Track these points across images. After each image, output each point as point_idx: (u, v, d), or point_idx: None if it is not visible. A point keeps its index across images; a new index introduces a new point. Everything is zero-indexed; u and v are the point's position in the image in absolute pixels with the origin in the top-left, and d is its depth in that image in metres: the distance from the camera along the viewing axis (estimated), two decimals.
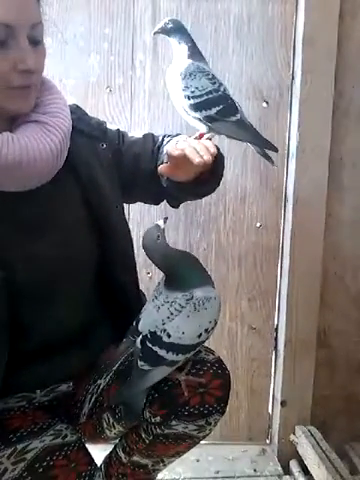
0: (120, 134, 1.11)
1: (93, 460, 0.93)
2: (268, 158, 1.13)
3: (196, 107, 1.00)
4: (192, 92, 0.99)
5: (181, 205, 1.60)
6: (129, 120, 1.55)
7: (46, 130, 0.88)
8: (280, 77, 1.56)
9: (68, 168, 0.96)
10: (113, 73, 1.53)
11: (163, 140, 1.13)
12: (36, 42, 0.84)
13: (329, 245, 1.62)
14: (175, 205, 1.18)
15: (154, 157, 1.11)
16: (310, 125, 1.53)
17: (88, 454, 0.93)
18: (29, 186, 0.89)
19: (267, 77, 1.56)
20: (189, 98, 1.00)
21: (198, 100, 1.00)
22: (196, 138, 1.02)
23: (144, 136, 1.14)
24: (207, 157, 0.88)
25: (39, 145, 0.86)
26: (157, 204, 1.22)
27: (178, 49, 1.06)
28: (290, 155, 1.58)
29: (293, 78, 1.56)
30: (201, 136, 1.03)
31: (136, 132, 1.17)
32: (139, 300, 1.09)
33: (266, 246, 1.65)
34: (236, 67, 1.55)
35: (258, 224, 1.63)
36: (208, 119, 1.02)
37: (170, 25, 1.07)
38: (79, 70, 1.51)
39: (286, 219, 1.62)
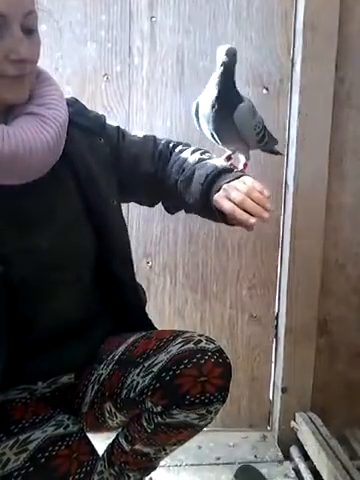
0: (120, 131, 1.10)
1: (95, 450, 0.93)
2: (276, 152, 1.26)
3: (260, 139, 1.11)
4: (258, 127, 1.09)
5: None
6: (127, 108, 1.53)
7: (42, 122, 0.86)
8: (280, 63, 1.54)
9: (65, 161, 0.95)
10: (110, 61, 1.50)
11: (169, 147, 1.13)
12: (30, 31, 0.83)
13: (330, 233, 1.62)
14: (173, 213, 1.20)
15: (155, 161, 1.10)
16: (311, 112, 1.51)
17: (90, 444, 0.94)
18: (25, 179, 0.88)
19: (267, 63, 1.54)
20: (258, 133, 1.10)
21: (261, 133, 1.11)
22: (227, 159, 1.11)
23: (144, 137, 1.13)
24: (266, 214, 0.95)
25: (35, 137, 0.85)
26: (152, 206, 1.22)
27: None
28: (290, 143, 1.57)
29: (293, 64, 1.54)
30: (245, 166, 1.12)
31: (136, 132, 1.16)
32: (136, 293, 1.09)
33: (266, 234, 1.64)
34: None
35: None
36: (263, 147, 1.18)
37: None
38: (76, 58, 1.49)
39: (286, 207, 1.62)
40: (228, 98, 1.03)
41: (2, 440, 0.87)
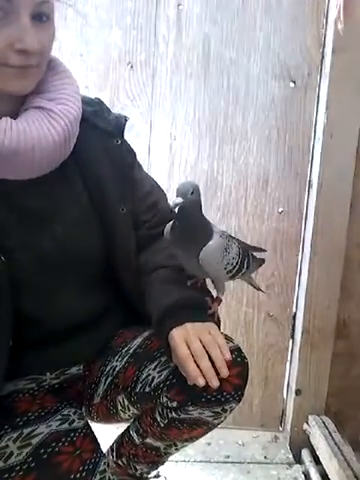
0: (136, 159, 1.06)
1: (99, 447, 0.92)
2: (257, 288, 1.19)
3: (235, 274, 0.98)
4: (231, 264, 0.96)
5: (200, 186, 1.58)
6: (150, 98, 1.51)
7: (50, 117, 0.84)
8: (309, 55, 1.49)
9: (76, 161, 0.92)
10: (135, 48, 1.48)
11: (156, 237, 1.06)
12: (41, 20, 0.79)
13: (353, 233, 1.56)
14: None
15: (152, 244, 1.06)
16: (339, 107, 1.46)
17: (94, 441, 0.92)
18: (30, 175, 0.86)
19: (295, 55, 1.49)
20: (230, 271, 0.97)
21: (236, 269, 0.98)
22: (213, 301, 1.00)
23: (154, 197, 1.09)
24: (216, 383, 0.86)
25: (39, 133, 0.82)
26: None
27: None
28: (316, 138, 1.52)
29: (323, 57, 1.48)
30: (218, 303, 1.01)
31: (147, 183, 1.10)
32: (141, 298, 1.05)
33: (287, 232, 1.60)
34: (263, 44, 1.48)
35: (280, 209, 1.59)
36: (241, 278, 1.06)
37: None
38: (100, 45, 1.47)
39: (309, 205, 1.57)
40: (194, 235, 0.91)
41: (7, 432, 0.87)
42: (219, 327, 0.98)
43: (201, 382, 0.85)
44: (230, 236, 0.97)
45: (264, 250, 1.10)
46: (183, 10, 1.46)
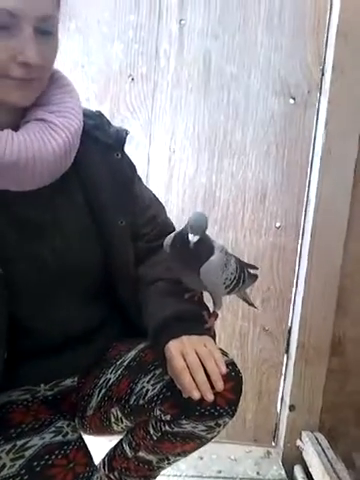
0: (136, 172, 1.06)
1: (92, 461, 0.91)
2: (251, 304, 1.18)
3: (232, 289, 0.99)
4: (228, 280, 0.97)
5: (198, 199, 1.60)
6: (150, 111, 1.51)
7: (51, 130, 0.84)
8: (309, 72, 1.50)
9: (76, 173, 0.92)
10: (136, 62, 1.49)
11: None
12: (45, 35, 0.79)
13: (350, 249, 1.57)
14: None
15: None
16: (338, 124, 1.47)
17: (88, 454, 0.91)
18: (30, 187, 0.86)
19: (295, 72, 1.50)
20: (228, 286, 0.97)
21: (233, 284, 0.98)
22: (210, 315, 0.99)
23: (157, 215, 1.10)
24: (211, 397, 0.85)
25: (40, 145, 0.82)
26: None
27: None
28: (315, 155, 1.53)
29: (323, 74, 1.49)
30: (215, 317, 1.00)
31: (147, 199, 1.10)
32: (138, 310, 1.05)
33: (284, 247, 1.60)
34: (264, 61, 1.49)
35: (277, 224, 1.59)
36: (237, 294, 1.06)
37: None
38: (101, 57, 1.48)
39: (306, 221, 1.57)
40: (196, 250, 0.89)
41: (0, 444, 0.86)
42: (215, 341, 0.97)
43: (196, 395, 0.84)
44: (228, 252, 0.98)
45: (256, 267, 1.10)
46: (185, 25, 1.47)
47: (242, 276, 0.99)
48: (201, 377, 0.85)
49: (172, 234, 0.96)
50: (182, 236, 0.89)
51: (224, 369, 0.87)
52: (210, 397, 0.85)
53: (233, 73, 1.49)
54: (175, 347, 0.89)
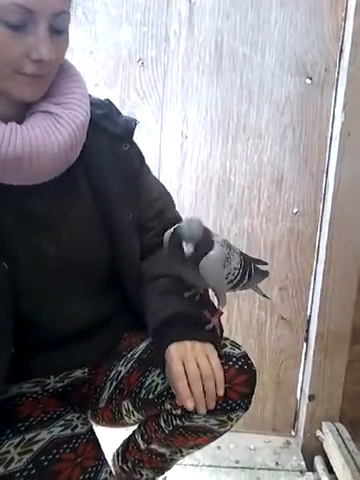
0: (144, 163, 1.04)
1: (102, 454, 0.90)
2: (263, 295, 1.13)
3: (237, 284, 0.96)
4: (232, 274, 0.94)
5: (212, 185, 1.56)
6: (161, 95, 1.47)
7: (56, 122, 0.82)
8: (327, 51, 1.43)
9: (83, 164, 0.90)
10: (146, 45, 1.44)
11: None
12: (58, 32, 0.79)
13: None
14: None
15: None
16: (357, 104, 1.40)
17: (97, 447, 0.91)
18: (35, 180, 0.84)
19: (312, 51, 1.43)
20: (232, 281, 0.94)
21: (237, 279, 0.95)
22: (213, 314, 0.96)
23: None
24: (204, 410, 0.86)
25: (45, 138, 0.80)
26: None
27: None
28: (333, 137, 1.47)
29: (341, 52, 1.42)
30: (219, 315, 0.97)
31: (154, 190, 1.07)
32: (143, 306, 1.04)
33: (302, 234, 1.55)
34: (278, 39, 1.43)
35: (295, 210, 1.54)
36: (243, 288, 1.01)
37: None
38: (110, 42, 1.44)
39: (325, 206, 1.52)
40: (196, 247, 0.87)
41: (8, 437, 0.86)
42: (222, 337, 0.95)
43: (190, 406, 0.85)
44: (231, 245, 0.94)
45: (265, 263, 1.07)
46: (195, 4, 1.41)
47: (248, 271, 0.96)
48: (198, 390, 0.86)
49: (169, 231, 0.93)
50: (178, 239, 0.86)
51: (222, 392, 0.87)
52: (203, 411, 0.86)
53: (246, 53, 1.43)
54: (176, 351, 0.88)
